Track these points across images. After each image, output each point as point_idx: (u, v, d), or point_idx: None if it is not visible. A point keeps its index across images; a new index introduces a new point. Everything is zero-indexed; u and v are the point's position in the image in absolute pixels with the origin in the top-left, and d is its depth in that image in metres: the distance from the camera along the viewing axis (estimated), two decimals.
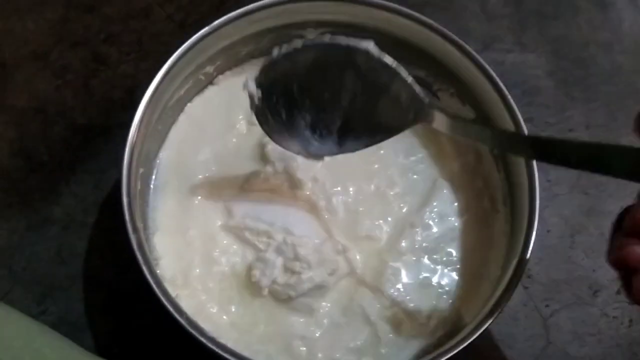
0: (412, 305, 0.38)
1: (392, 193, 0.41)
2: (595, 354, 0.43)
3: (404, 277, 0.39)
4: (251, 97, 0.32)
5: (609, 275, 0.45)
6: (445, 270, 0.40)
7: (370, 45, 0.31)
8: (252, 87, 0.32)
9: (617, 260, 0.26)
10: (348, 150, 0.35)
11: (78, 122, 0.45)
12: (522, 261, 0.35)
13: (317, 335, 0.37)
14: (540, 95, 0.50)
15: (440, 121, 0.33)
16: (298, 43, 0.31)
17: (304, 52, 0.31)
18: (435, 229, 0.41)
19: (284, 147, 0.35)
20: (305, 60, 0.31)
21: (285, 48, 0.31)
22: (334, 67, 0.31)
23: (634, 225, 0.26)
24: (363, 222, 0.40)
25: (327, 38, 0.31)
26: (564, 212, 0.46)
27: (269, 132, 0.34)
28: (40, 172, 0.44)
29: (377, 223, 0.40)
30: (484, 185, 0.42)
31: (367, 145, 0.34)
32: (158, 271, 0.36)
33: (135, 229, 0.33)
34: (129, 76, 0.47)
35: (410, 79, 0.32)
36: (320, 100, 0.33)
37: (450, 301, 0.39)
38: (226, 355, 0.31)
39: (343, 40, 0.31)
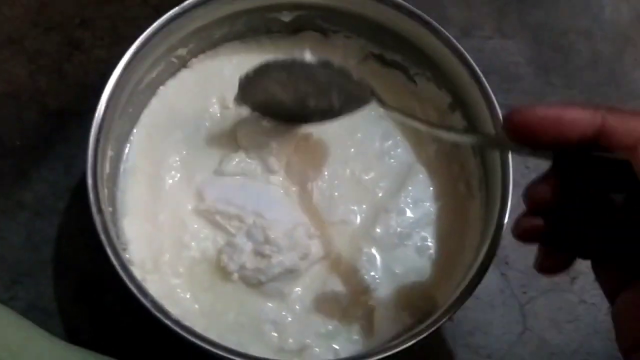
0: (385, 291, 0.38)
1: (367, 178, 0.41)
2: (572, 340, 0.42)
3: (378, 262, 0.39)
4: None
5: (587, 262, 0.44)
6: (420, 256, 0.39)
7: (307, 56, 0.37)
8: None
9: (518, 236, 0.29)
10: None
11: (51, 107, 0.45)
12: (494, 244, 0.35)
13: (289, 320, 0.37)
14: (519, 82, 0.49)
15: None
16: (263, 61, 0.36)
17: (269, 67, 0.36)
18: (410, 214, 0.40)
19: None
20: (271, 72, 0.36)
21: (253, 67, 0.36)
22: (292, 75, 0.36)
23: (531, 204, 0.28)
24: (337, 207, 0.40)
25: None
26: None
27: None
28: (12, 157, 0.43)
29: (351, 208, 0.40)
30: (460, 170, 0.41)
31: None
32: (127, 256, 0.36)
33: (99, 210, 0.32)
34: (102, 61, 0.46)
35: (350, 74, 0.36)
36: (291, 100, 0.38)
37: (424, 287, 0.38)
38: (192, 339, 0.31)
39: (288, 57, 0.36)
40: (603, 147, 0.24)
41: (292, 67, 0.35)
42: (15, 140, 0.44)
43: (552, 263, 0.29)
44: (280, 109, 0.38)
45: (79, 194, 0.42)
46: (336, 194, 0.40)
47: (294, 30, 0.43)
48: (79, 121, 0.44)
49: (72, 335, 0.39)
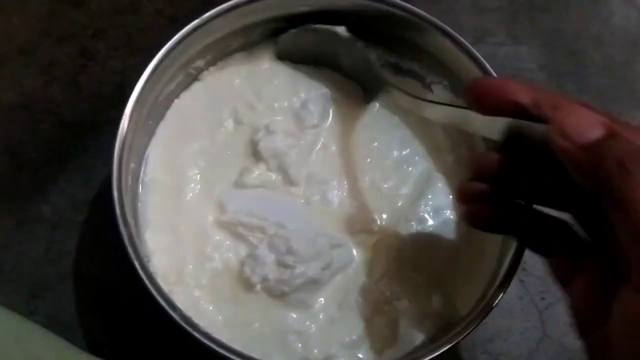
0: (407, 300, 0.38)
1: (386, 186, 0.41)
2: None
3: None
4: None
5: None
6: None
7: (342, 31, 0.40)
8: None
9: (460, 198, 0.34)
10: None
11: (66, 119, 0.45)
12: (519, 253, 0.35)
13: (313, 330, 0.36)
14: None
15: (400, 99, 0.40)
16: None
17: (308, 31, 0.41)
18: (430, 222, 0.40)
19: None
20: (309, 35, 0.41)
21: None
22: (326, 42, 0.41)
23: (476, 171, 0.33)
24: (358, 216, 0.40)
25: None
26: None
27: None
28: (28, 170, 0.43)
29: (371, 217, 0.40)
30: None
31: None
32: (150, 269, 0.36)
33: (126, 224, 0.32)
34: (117, 72, 0.46)
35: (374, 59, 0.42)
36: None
37: (446, 295, 0.39)
38: (221, 351, 0.31)
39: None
40: (535, 117, 0.27)
41: (328, 36, 0.40)
42: (31, 152, 0.43)
43: (482, 215, 0.33)
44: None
45: (97, 206, 0.42)
46: (356, 203, 0.40)
47: None
48: (95, 133, 0.44)
49: (94, 349, 0.39)
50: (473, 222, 0.33)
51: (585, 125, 0.24)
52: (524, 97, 0.27)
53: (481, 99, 0.29)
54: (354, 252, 0.38)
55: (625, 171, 0.22)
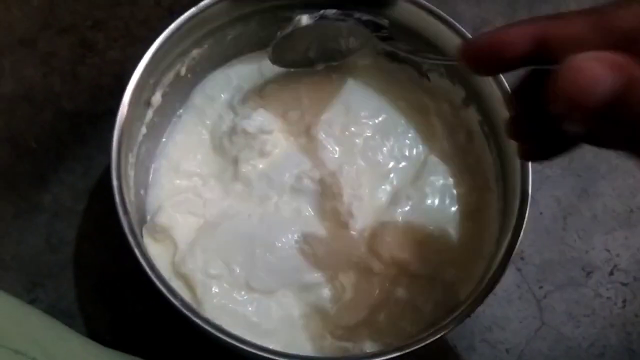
0: (408, 287, 0.38)
1: (382, 161, 0.41)
2: (589, 334, 0.43)
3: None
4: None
5: (601, 256, 0.45)
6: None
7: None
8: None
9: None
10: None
11: (66, 109, 0.45)
12: (516, 236, 0.35)
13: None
14: None
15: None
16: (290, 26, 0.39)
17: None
18: (429, 202, 0.40)
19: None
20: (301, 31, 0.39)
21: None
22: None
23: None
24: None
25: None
26: (557, 194, 0.46)
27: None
28: (28, 160, 0.43)
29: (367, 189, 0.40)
30: (475, 164, 0.41)
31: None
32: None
33: (126, 212, 0.32)
34: (116, 62, 0.46)
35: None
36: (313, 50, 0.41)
37: (445, 282, 0.39)
38: (222, 336, 0.31)
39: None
40: (550, 59, 0.23)
41: (315, 26, 0.39)
42: (31, 142, 0.44)
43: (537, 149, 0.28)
44: (305, 59, 0.41)
45: (97, 195, 0.42)
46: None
47: None
48: (94, 123, 0.45)
49: (94, 336, 0.39)
50: (536, 157, 0.29)
51: (599, 72, 0.20)
52: (529, 43, 0.23)
53: (481, 64, 0.25)
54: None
55: None
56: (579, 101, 0.20)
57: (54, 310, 0.39)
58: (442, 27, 0.40)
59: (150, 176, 0.40)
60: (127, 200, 0.33)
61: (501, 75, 0.38)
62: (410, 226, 0.39)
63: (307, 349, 0.37)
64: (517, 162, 0.37)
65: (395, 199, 0.40)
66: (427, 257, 0.39)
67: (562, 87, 0.21)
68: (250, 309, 0.37)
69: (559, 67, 0.21)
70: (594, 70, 0.20)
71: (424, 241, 0.39)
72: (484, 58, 0.25)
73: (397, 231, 0.39)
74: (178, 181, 0.40)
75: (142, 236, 0.35)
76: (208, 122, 0.42)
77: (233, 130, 0.40)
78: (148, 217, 0.38)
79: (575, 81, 0.20)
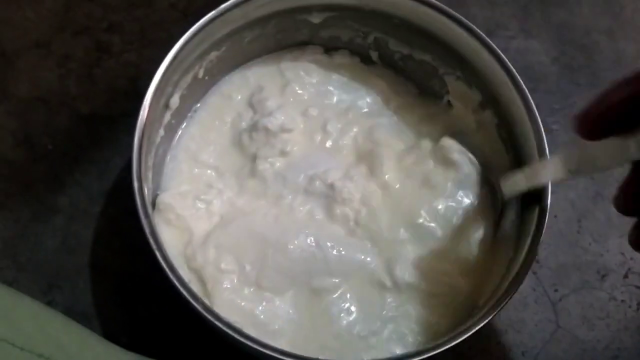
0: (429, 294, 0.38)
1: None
2: (604, 337, 0.43)
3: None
4: None
5: (616, 260, 0.45)
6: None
7: None
8: None
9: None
10: None
11: (81, 111, 0.45)
12: (534, 244, 0.35)
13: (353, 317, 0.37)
14: (544, 81, 0.50)
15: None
16: None
17: None
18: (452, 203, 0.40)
19: None
20: None
21: None
22: None
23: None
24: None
25: None
26: (571, 197, 0.46)
27: None
28: (44, 162, 0.43)
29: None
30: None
31: None
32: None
33: (146, 214, 0.32)
34: (132, 65, 0.46)
35: None
36: None
37: (465, 283, 0.39)
38: (242, 339, 0.31)
39: None
40: None
41: None
42: (47, 144, 0.44)
43: None
44: None
45: (113, 197, 0.42)
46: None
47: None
48: (110, 125, 0.45)
49: (110, 338, 0.38)
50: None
51: None
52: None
53: (601, 129, 0.27)
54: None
55: None
56: None
57: (70, 312, 0.39)
58: (458, 30, 0.40)
59: (166, 168, 0.40)
60: (147, 201, 0.33)
61: (518, 77, 0.38)
62: (427, 244, 0.39)
63: (311, 352, 0.37)
64: None
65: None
66: (442, 277, 0.39)
67: None
68: (259, 307, 0.37)
69: None
70: None
71: (441, 259, 0.39)
72: (597, 128, 0.26)
73: (413, 250, 0.39)
74: (196, 170, 0.40)
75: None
76: (226, 118, 0.42)
77: (254, 127, 0.40)
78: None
79: None
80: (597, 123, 0.26)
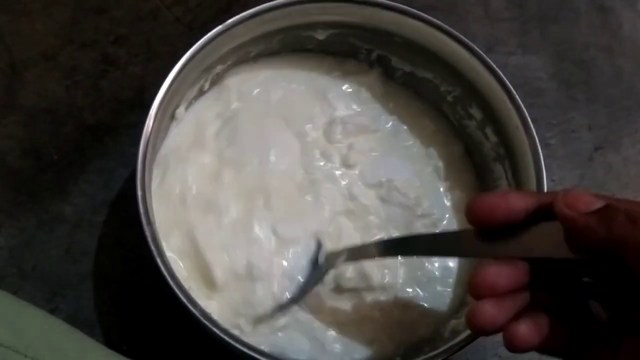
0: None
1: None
2: None
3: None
4: None
5: None
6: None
7: None
8: None
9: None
10: None
11: (87, 122, 0.46)
12: None
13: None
14: (542, 97, 0.51)
15: None
16: None
17: None
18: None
19: None
20: None
21: None
22: None
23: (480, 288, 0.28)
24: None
25: None
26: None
27: None
28: (50, 172, 0.44)
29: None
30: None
31: None
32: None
33: (149, 222, 0.33)
34: (137, 77, 0.47)
35: None
36: None
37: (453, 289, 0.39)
38: (241, 348, 0.31)
39: None
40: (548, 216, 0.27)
41: None
42: (53, 154, 0.44)
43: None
44: None
45: (117, 207, 0.43)
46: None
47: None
48: (115, 136, 0.45)
49: (113, 346, 0.39)
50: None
51: (588, 199, 0.25)
52: (529, 202, 0.27)
53: (487, 217, 0.28)
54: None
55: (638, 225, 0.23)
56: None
57: (73, 320, 0.39)
58: (457, 47, 0.41)
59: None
60: (150, 210, 0.34)
61: (516, 95, 0.39)
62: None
63: None
64: (533, 183, 0.37)
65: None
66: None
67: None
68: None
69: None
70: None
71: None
72: (490, 213, 0.28)
73: None
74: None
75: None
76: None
77: None
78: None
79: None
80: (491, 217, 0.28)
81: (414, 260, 0.40)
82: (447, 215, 0.42)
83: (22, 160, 0.44)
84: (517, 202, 0.27)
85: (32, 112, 0.45)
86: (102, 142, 0.45)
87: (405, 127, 0.44)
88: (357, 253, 0.36)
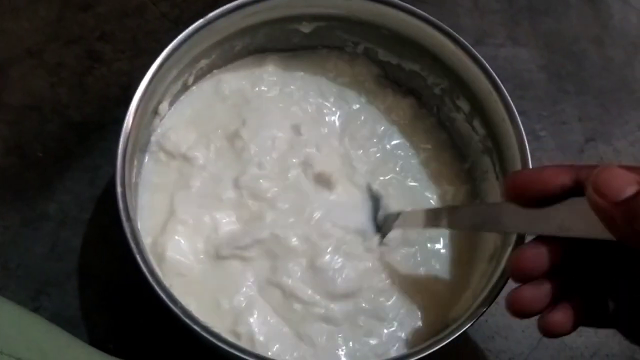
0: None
1: None
2: (591, 343, 0.43)
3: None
4: None
5: None
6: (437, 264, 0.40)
7: None
8: None
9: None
10: None
11: (73, 120, 0.45)
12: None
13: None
14: (533, 89, 0.50)
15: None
16: None
17: None
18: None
19: None
20: None
21: None
22: None
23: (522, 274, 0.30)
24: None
25: None
26: None
27: None
28: (35, 169, 0.44)
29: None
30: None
31: None
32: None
33: (128, 218, 0.32)
34: (123, 73, 0.47)
35: None
36: None
37: (444, 286, 0.39)
38: (221, 345, 0.31)
39: None
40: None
41: None
42: (38, 152, 0.44)
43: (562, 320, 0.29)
44: None
45: (102, 205, 0.43)
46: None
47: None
48: (101, 133, 0.45)
49: (98, 344, 0.39)
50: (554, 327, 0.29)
51: (620, 183, 0.25)
52: (565, 178, 0.27)
53: (523, 192, 0.29)
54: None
55: None
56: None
57: (58, 318, 0.39)
58: (444, 39, 0.40)
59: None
60: (130, 206, 0.34)
61: (502, 88, 0.39)
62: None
63: None
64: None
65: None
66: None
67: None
68: None
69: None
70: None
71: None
72: (527, 189, 0.29)
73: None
74: None
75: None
76: None
77: None
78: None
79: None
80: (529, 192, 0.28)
81: None
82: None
83: (7, 158, 0.44)
84: (552, 178, 0.28)
85: (17, 109, 0.45)
86: (88, 139, 0.45)
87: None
88: (406, 219, 0.37)
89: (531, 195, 0.28)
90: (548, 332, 0.29)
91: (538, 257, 0.28)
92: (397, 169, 0.42)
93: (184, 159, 0.40)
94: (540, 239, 0.29)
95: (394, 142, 0.43)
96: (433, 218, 0.36)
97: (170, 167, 0.40)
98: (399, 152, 0.43)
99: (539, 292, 0.29)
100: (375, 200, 0.40)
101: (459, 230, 0.39)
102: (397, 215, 0.38)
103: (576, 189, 0.27)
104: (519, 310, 0.29)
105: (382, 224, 0.39)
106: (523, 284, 0.29)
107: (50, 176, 0.43)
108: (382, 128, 0.44)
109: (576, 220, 0.27)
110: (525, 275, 0.29)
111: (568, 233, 0.27)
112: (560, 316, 0.28)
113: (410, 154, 0.43)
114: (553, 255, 0.28)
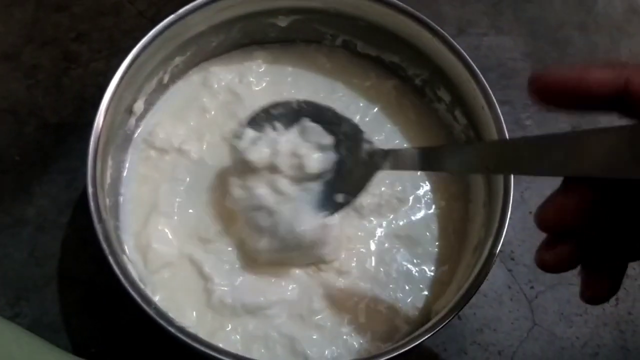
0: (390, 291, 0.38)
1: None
2: (582, 334, 0.42)
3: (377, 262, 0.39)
4: None
5: None
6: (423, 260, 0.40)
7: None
8: None
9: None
10: None
11: (50, 122, 0.45)
12: (495, 244, 0.34)
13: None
14: (517, 78, 0.49)
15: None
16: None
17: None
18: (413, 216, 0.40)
19: None
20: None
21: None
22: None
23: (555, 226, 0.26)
24: None
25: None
26: (546, 193, 0.45)
27: None
28: (12, 173, 0.43)
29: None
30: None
31: None
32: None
33: (100, 219, 0.32)
34: (100, 73, 0.46)
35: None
36: None
37: (429, 277, 0.38)
38: (196, 345, 0.30)
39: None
40: (628, 106, 0.23)
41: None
42: (15, 155, 0.43)
43: (599, 288, 0.27)
44: None
45: (81, 208, 0.42)
46: None
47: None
48: (78, 134, 0.44)
49: (80, 350, 0.39)
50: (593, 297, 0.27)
51: None
52: (610, 85, 0.23)
53: (555, 98, 0.24)
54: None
55: None
56: None
57: (38, 324, 0.39)
58: (422, 30, 0.39)
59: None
60: (102, 207, 0.33)
61: (482, 78, 0.38)
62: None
63: None
64: None
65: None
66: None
67: None
68: None
69: None
70: None
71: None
72: (562, 93, 0.24)
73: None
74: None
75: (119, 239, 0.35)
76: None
77: None
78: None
79: None
80: (565, 91, 0.24)
81: None
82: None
83: None
84: (598, 77, 0.23)
85: None
86: (65, 142, 0.44)
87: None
88: (398, 159, 0.33)
89: (565, 99, 0.24)
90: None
91: (565, 208, 0.25)
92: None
93: (178, 153, 0.40)
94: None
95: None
96: (433, 158, 0.31)
97: (162, 161, 0.40)
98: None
99: (562, 250, 0.26)
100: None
101: (461, 174, 0.36)
102: (386, 153, 0.33)
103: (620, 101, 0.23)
104: (549, 269, 0.26)
105: (366, 162, 0.34)
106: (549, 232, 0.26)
107: (27, 180, 0.43)
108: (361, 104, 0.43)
109: (606, 156, 0.23)
110: (552, 228, 0.26)
111: (594, 172, 0.23)
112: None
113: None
114: (581, 204, 0.25)
